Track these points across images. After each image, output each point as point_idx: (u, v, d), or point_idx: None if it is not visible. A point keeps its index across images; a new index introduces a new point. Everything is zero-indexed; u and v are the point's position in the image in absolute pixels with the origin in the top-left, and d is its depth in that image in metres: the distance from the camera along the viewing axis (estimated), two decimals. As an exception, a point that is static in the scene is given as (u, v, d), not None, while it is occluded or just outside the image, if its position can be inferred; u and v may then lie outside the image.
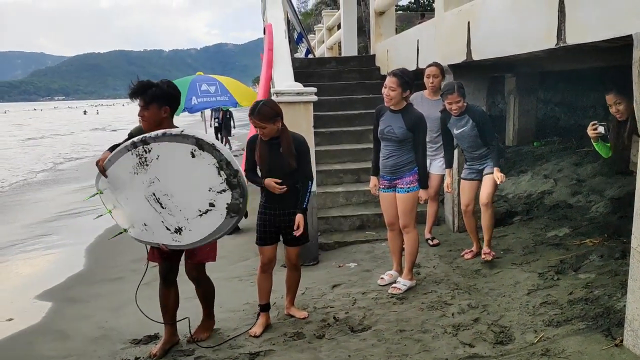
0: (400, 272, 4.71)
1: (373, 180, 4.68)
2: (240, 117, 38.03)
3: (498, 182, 4.70)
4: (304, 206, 3.88)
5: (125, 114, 70.32)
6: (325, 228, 6.14)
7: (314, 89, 5.35)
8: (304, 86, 5.46)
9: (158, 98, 3.42)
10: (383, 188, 4.57)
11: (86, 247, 7.47)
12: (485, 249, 4.93)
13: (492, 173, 4.75)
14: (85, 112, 78.64)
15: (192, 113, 10.07)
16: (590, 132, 3.57)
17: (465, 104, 4.73)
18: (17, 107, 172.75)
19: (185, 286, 3.94)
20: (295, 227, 3.83)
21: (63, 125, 48.17)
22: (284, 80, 5.82)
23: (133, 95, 3.42)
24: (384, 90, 4.33)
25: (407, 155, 4.36)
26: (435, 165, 5.49)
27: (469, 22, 5.38)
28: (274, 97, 5.46)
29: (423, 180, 4.39)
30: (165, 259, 3.69)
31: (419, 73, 6.06)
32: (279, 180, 3.80)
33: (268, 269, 4.01)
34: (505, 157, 5.16)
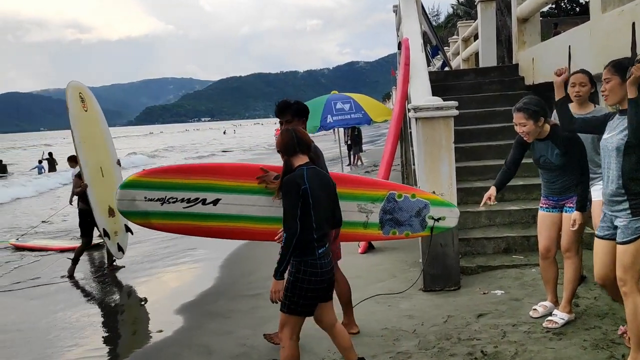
0: (555, 303, 4.23)
1: (492, 190, 4.21)
2: (368, 134, 38.26)
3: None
4: (276, 268, 3.11)
5: (259, 132, 74.12)
6: (466, 250, 5.76)
7: (454, 103, 5.06)
8: (442, 100, 5.19)
9: (299, 113, 4.09)
10: (546, 207, 4.14)
11: (225, 262, 7.77)
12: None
13: (634, 239, 3.10)
14: (224, 132, 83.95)
15: (328, 130, 10.23)
16: None
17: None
18: (169, 128, 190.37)
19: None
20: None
21: (196, 146, 52.08)
22: (421, 95, 5.59)
23: (281, 112, 4.06)
24: (516, 129, 4.01)
25: (574, 174, 3.94)
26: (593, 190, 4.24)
27: (634, 23, 4.77)
28: (411, 113, 5.26)
29: (580, 201, 3.89)
30: None
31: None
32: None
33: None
34: None
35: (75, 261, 7.77)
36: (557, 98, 3.71)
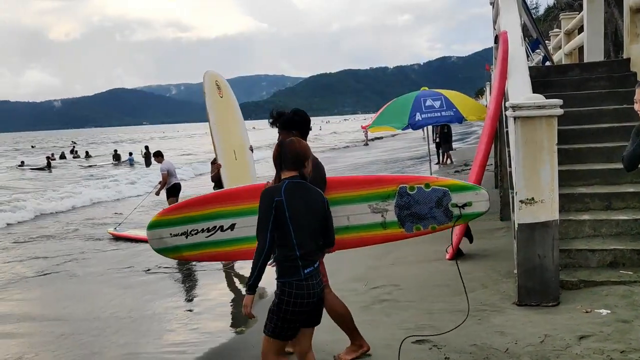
0: (673, 329, 3.73)
1: None
2: (459, 132, 37.01)
3: None
4: (246, 281, 3.07)
5: (344, 129, 73.81)
6: (567, 262, 5.26)
7: (559, 101, 4.61)
8: (544, 98, 4.75)
9: (286, 124, 3.84)
10: None
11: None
12: None
13: None
14: (311, 129, 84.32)
15: (416, 129, 9.85)
16: None
17: None
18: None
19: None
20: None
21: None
22: (521, 92, 5.17)
23: (271, 124, 3.93)
24: (636, 106, 3.59)
25: None
26: None
27: None
28: (509, 112, 4.87)
29: None
30: None
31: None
32: None
33: None
34: None
35: None
36: None
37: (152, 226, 4.29)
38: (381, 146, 36.84)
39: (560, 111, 4.64)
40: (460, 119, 8.97)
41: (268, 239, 2.97)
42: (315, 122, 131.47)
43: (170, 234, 4.20)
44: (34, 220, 14.18)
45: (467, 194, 3.76)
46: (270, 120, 3.94)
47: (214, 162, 7.86)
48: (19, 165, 37.73)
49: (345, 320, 4.03)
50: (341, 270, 6.70)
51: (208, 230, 4.13)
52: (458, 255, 6.49)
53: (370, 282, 6.05)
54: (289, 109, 4.00)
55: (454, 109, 8.94)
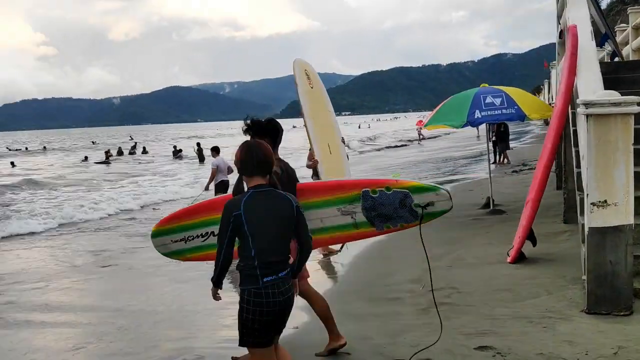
0: None
1: None
2: (514, 130, 35.91)
3: None
4: (212, 278, 3.29)
5: (393, 127, 72.69)
6: (640, 269, 4.97)
7: (636, 98, 4.34)
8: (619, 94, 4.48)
9: (258, 132, 3.86)
10: None
11: (356, 260, 7.51)
12: None
13: None
14: (359, 127, 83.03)
15: (475, 126, 9.58)
16: None
17: None
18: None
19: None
20: None
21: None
22: (593, 88, 4.90)
23: (245, 132, 3.89)
24: None
25: None
26: None
27: None
28: (580, 109, 4.62)
29: None
30: None
31: None
32: None
33: None
34: None
35: None
36: None
37: (155, 235, 4.61)
38: (435, 145, 36.25)
39: (637, 108, 4.36)
40: (522, 117, 8.66)
41: (224, 247, 3.09)
42: (365, 120, 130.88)
43: (172, 240, 4.53)
44: (96, 213, 14.66)
45: (427, 194, 3.88)
46: (244, 127, 3.91)
47: (311, 157, 7.55)
48: (83, 160, 39.50)
49: (326, 315, 4.24)
50: (397, 271, 6.59)
51: (202, 235, 4.43)
52: (520, 258, 6.25)
53: (428, 284, 5.90)
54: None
55: (516, 107, 8.64)
